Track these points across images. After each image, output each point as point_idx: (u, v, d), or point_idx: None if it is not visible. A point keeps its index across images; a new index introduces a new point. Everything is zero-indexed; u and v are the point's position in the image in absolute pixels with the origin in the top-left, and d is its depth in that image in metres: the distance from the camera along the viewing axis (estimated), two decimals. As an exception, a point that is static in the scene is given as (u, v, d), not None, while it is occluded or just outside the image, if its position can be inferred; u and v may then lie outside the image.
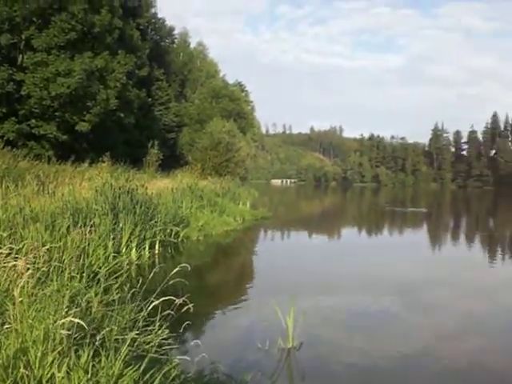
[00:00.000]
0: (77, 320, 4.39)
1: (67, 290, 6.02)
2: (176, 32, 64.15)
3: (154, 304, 5.42)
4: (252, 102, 75.47)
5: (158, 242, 16.14)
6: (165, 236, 16.92)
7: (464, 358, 7.90)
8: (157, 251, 15.90)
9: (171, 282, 6.22)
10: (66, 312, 4.98)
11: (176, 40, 64.85)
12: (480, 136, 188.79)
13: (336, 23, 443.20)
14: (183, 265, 5.96)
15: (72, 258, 8.12)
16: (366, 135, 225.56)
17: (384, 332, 9.23)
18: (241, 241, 22.80)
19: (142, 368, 4.57)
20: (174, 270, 5.85)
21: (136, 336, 5.15)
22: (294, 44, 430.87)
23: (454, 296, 12.42)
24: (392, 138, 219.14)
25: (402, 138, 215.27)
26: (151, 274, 6.55)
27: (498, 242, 25.23)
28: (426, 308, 11.08)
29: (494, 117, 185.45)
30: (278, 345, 7.78)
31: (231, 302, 10.94)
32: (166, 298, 5.32)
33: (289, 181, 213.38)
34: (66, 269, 6.81)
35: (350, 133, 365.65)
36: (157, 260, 14.75)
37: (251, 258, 19.16)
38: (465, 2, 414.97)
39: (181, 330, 6.07)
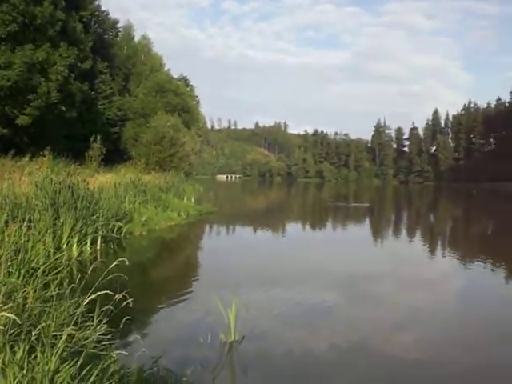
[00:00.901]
0: (11, 315, 4.31)
1: (3, 285, 5.88)
2: (120, 25, 63.22)
3: (90, 298, 5.38)
4: (197, 96, 75.20)
5: (99, 237, 15.90)
6: (107, 231, 16.68)
7: (402, 349, 8.06)
8: (99, 247, 15.66)
9: (112, 278, 6.15)
10: (0, 308, 4.87)
11: (120, 33, 63.86)
12: (421, 133, 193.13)
13: (281, 19, 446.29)
14: (121, 259, 5.91)
15: (9, 253, 7.92)
16: (311, 131, 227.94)
17: (326, 325, 9.32)
18: (185, 236, 22.70)
19: (79, 363, 4.52)
20: (112, 265, 5.81)
21: (74, 332, 5.08)
22: (239, 39, 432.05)
23: (394, 289, 12.66)
24: (336, 134, 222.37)
25: (346, 135, 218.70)
26: (90, 270, 6.47)
27: (438, 236, 25.90)
28: (367, 301, 11.22)
29: (435, 114, 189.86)
30: (219, 339, 7.78)
31: (174, 297, 10.87)
32: (103, 292, 5.26)
33: (234, 176, 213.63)
34: (1, 264, 6.64)
35: (295, 129, 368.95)
36: (99, 256, 14.50)
37: (195, 252, 19.13)
38: (408, 0, 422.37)
39: (121, 326, 6.01)
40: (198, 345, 7.66)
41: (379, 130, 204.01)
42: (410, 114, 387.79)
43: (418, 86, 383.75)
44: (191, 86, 72.83)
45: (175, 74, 70.34)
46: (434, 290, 12.91)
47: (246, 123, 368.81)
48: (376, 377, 6.99)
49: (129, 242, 17.91)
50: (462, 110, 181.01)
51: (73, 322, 5.54)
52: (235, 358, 7.48)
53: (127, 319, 6.04)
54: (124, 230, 18.16)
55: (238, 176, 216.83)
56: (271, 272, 14.08)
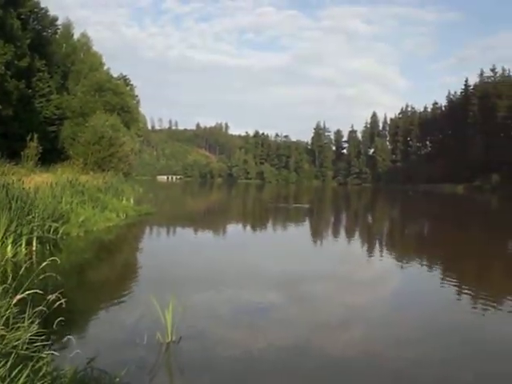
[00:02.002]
0: None
1: None
2: (59, 22, 61.95)
3: (19, 297, 5.26)
4: (137, 96, 74.35)
5: (35, 238, 15.56)
6: (43, 232, 16.31)
7: (340, 347, 8.20)
8: (34, 248, 15.32)
9: (47, 279, 6.07)
10: None
11: (59, 31, 62.53)
12: (359, 135, 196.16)
13: (221, 21, 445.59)
14: (52, 258, 5.82)
15: None
16: (251, 133, 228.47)
17: (265, 325, 9.35)
18: (124, 237, 22.45)
19: (8, 364, 4.42)
20: (43, 264, 5.72)
21: (5, 333, 4.97)
22: (180, 39, 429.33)
23: (333, 289, 12.83)
24: (276, 135, 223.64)
25: (286, 136, 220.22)
26: (21, 270, 6.33)
27: (375, 236, 26.38)
28: (305, 301, 11.32)
29: (373, 117, 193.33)
30: (156, 339, 7.73)
31: (111, 298, 10.73)
32: (32, 291, 5.17)
33: (175, 177, 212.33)
34: None
35: (236, 130, 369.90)
36: (34, 257, 14.21)
37: (134, 254, 18.92)
38: (347, 5, 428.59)
39: (55, 327, 5.90)
40: (134, 346, 7.59)
41: (319, 132, 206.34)
42: (349, 117, 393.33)
43: (356, 90, 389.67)
44: (131, 85, 71.94)
45: (116, 74, 69.40)
46: (371, 288, 13.19)
47: (187, 124, 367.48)
48: (314, 375, 7.06)
49: (65, 243, 17.56)
50: (399, 114, 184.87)
51: (3, 323, 5.42)
52: (172, 359, 7.46)
53: (61, 320, 5.94)
54: (60, 231, 17.80)
55: (178, 177, 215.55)
56: (211, 273, 14.03)
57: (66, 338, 6.66)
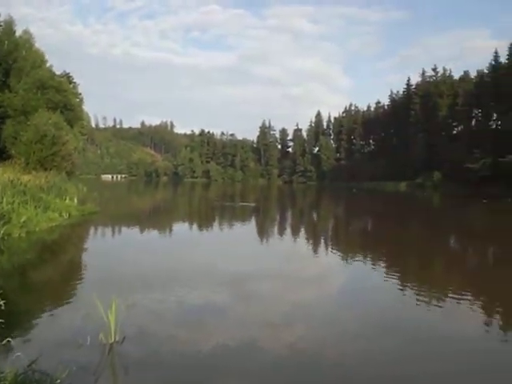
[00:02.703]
0: None
1: None
2: (1, 19, 60.36)
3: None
4: (80, 94, 73.01)
5: (-26, 239, 15.21)
6: (-17, 233, 15.98)
7: (289, 345, 8.25)
8: (-26, 249, 14.98)
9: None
10: None
11: (1, 27, 60.98)
12: (304, 134, 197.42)
13: (166, 18, 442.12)
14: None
15: None
16: (197, 131, 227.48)
17: (212, 323, 9.36)
18: (67, 237, 22.07)
19: None
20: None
21: None
22: (124, 37, 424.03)
23: (280, 286, 12.92)
24: (222, 134, 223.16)
25: (232, 135, 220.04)
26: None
27: (320, 234, 26.67)
28: (253, 299, 11.39)
29: (318, 116, 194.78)
30: (99, 340, 7.67)
31: (54, 300, 10.57)
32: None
33: (119, 176, 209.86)
34: None
35: (182, 129, 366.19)
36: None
37: (78, 254, 18.61)
38: (293, 4, 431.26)
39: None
40: (76, 347, 7.52)
41: (264, 130, 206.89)
42: (294, 116, 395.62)
43: (301, 89, 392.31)
44: (74, 83, 70.66)
45: (58, 71, 68.02)
46: (317, 286, 13.35)
47: (132, 122, 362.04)
48: (261, 374, 7.10)
49: (7, 244, 17.18)
50: (343, 113, 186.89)
51: None
52: (116, 359, 7.41)
53: (0, 323, 5.83)
54: (1, 232, 17.43)
55: (123, 176, 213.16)
56: (157, 272, 13.98)
57: (5, 341, 6.54)
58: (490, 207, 52.36)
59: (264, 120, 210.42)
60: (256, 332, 8.88)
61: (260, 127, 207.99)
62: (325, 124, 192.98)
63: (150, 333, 8.60)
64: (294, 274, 14.80)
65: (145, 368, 7.07)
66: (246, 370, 7.21)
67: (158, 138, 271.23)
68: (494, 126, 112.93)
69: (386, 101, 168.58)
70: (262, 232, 26.76)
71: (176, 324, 9.28)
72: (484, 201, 58.73)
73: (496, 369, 7.47)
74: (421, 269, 16.71)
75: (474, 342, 8.76)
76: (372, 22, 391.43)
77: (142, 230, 25.93)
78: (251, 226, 30.83)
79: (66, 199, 29.82)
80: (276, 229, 28.99)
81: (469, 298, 11.76)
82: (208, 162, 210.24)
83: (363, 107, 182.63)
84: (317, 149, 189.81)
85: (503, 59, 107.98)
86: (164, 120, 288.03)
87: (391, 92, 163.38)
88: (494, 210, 48.61)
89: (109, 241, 21.81)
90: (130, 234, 24.51)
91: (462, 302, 11.31)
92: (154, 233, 25.36)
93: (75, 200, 31.16)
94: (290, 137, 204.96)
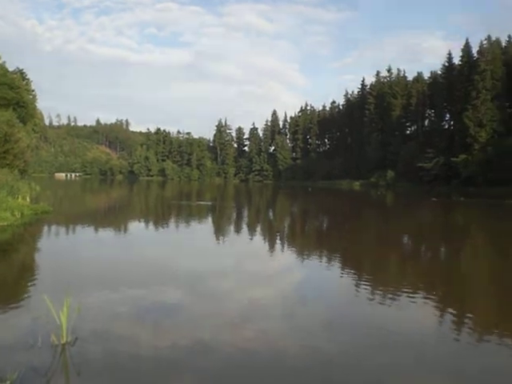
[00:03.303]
0: None
1: None
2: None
3: None
4: (34, 91, 72.02)
5: None
6: None
7: (246, 344, 8.30)
8: None
9: None
10: None
11: None
12: (261, 133, 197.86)
13: (122, 15, 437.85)
14: None
15: None
16: (153, 129, 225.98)
17: (168, 323, 9.34)
18: (19, 236, 21.67)
19: None
20: None
21: None
22: (80, 33, 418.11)
23: (237, 285, 12.98)
24: (178, 132, 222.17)
25: (188, 133, 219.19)
26: None
27: (277, 232, 26.88)
28: (211, 297, 11.39)
29: (274, 115, 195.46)
30: (51, 341, 7.61)
31: (5, 300, 10.41)
32: None
33: (74, 174, 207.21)
34: None
35: (137, 127, 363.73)
36: None
37: (31, 254, 18.25)
38: (250, 2, 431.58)
39: None
40: (27, 348, 7.44)
41: (220, 129, 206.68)
42: (250, 115, 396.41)
43: (258, 88, 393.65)
44: (27, 79, 69.61)
45: (11, 67, 66.83)
46: (274, 284, 13.44)
47: (86, 120, 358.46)
48: (219, 373, 7.13)
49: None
50: (299, 112, 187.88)
51: None
52: (68, 360, 7.32)
53: None
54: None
55: (77, 174, 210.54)
56: (111, 272, 13.92)
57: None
58: (437, 206, 53.75)
59: (220, 118, 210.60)
60: (212, 331, 8.88)
61: (216, 126, 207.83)
62: (281, 123, 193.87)
63: (103, 333, 8.53)
64: (251, 272, 14.88)
65: (97, 369, 7.03)
66: (202, 369, 7.20)
67: (113, 136, 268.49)
68: (447, 126, 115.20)
69: (341, 100, 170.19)
70: (219, 230, 26.81)
71: (131, 324, 9.21)
72: (433, 199, 60.33)
73: (439, 361, 7.69)
74: (375, 264, 17.07)
75: (424, 336, 8.96)
76: (327, 22, 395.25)
77: (96, 230, 25.65)
78: (208, 224, 30.83)
79: (18, 198, 29.38)
80: (232, 227, 29.04)
81: (418, 292, 12.04)
82: (164, 160, 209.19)
83: (319, 107, 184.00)
84: (273, 148, 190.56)
85: (456, 60, 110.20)
86: (119, 118, 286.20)
87: (346, 92, 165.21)
88: (441, 209, 50.22)
89: (62, 240, 21.53)
90: (84, 233, 24.19)
91: (407, 296, 11.60)
92: (109, 232, 25.11)
93: (28, 199, 30.73)
94: (246, 136, 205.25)
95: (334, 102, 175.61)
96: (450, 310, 10.88)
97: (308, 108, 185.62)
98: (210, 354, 7.76)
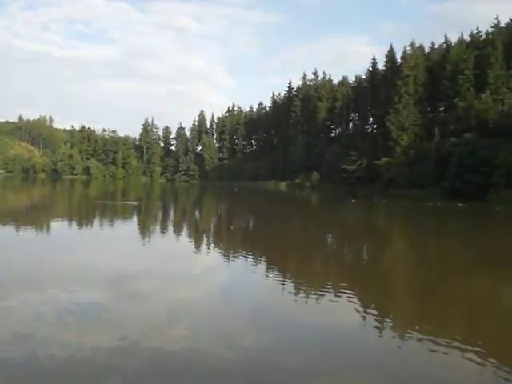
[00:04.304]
0: None
1: None
2: None
3: None
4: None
5: None
6: None
7: (171, 345, 8.35)
8: None
9: None
10: None
11: None
12: (188, 132, 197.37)
13: (49, 10, 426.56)
14: None
15: None
16: (78, 127, 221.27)
17: (91, 324, 9.28)
18: None
19: None
20: None
21: None
22: (4, 27, 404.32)
23: (162, 285, 12.99)
24: (104, 130, 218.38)
25: (114, 132, 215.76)
26: None
27: (202, 232, 27.05)
28: (136, 298, 11.39)
29: (201, 115, 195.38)
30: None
31: None
32: None
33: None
34: None
35: (61, 124, 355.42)
36: None
37: None
38: (178, 1, 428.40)
39: None
40: None
41: (147, 128, 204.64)
42: (177, 114, 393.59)
43: (186, 87, 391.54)
44: None
45: None
46: (199, 284, 13.52)
47: (8, 116, 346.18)
48: (142, 375, 7.15)
49: None
50: (226, 113, 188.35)
51: None
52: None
53: None
54: None
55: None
56: (32, 273, 13.64)
57: None
58: (355, 207, 55.41)
59: (147, 117, 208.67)
60: (136, 331, 8.92)
61: (143, 124, 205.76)
62: (208, 123, 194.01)
63: (24, 336, 8.41)
64: (176, 272, 14.91)
65: (18, 373, 6.99)
66: (125, 370, 7.22)
67: (36, 132, 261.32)
68: (370, 130, 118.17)
69: (268, 102, 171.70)
70: (145, 230, 26.69)
71: (53, 326, 9.05)
72: (353, 201, 62.23)
73: (363, 358, 8.09)
74: (300, 263, 17.59)
75: (346, 334, 9.41)
76: (255, 24, 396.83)
77: (17, 229, 24.96)
78: (133, 224, 30.58)
79: None
80: (158, 227, 28.99)
81: (340, 291, 12.41)
82: (88, 158, 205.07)
83: (246, 108, 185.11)
84: (200, 148, 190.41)
85: (380, 65, 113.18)
86: (43, 114, 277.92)
87: (273, 94, 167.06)
88: (356, 210, 52.26)
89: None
90: (2, 233, 23.58)
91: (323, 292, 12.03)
92: (30, 232, 24.34)
93: None
94: (173, 135, 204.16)
95: (261, 104, 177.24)
96: (371, 309, 11.26)
97: (235, 109, 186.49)
98: (134, 354, 7.78)
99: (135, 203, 48.71)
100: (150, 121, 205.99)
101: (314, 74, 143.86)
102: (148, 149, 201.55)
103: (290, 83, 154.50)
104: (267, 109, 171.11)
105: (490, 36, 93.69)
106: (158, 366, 7.42)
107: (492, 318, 10.99)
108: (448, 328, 9.94)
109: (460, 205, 53.14)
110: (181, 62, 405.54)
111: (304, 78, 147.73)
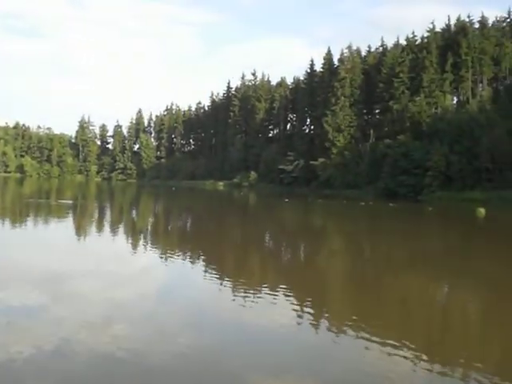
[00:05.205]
0: None
1: None
2: None
3: None
4: None
5: None
6: None
7: (109, 344, 8.33)
8: None
9: None
10: None
11: None
12: (125, 130, 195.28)
13: None
14: None
15: None
16: (12, 124, 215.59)
17: (28, 326, 9.12)
18: None
19: None
20: None
21: None
22: None
23: (99, 285, 12.86)
24: (39, 127, 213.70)
25: (49, 129, 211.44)
26: None
27: (139, 232, 26.86)
28: (72, 299, 11.24)
29: (139, 113, 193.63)
30: None
31: None
32: None
33: None
34: None
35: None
36: None
37: None
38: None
39: None
40: None
41: (83, 125, 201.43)
42: (115, 112, 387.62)
43: (122, 85, 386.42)
44: None
45: None
46: (136, 284, 13.49)
47: None
48: (79, 376, 7.08)
49: None
50: (164, 111, 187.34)
51: None
52: None
53: None
54: None
55: None
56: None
57: None
58: (290, 206, 56.35)
59: (84, 115, 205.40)
60: (71, 333, 8.82)
61: (79, 122, 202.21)
62: (146, 122, 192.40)
63: None
64: (113, 272, 14.82)
65: None
66: (59, 373, 7.15)
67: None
68: (308, 131, 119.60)
69: (207, 102, 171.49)
70: (80, 230, 26.27)
71: None
72: (286, 200, 63.14)
73: (300, 356, 8.25)
74: (237, 263, 17.75)
75: (285, 334, 9.53)
76: (194, 23, 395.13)
77: None
78: (69, 224, 30.00)
79: None
80: (94, 227, 28.54)
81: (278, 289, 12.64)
82: (22, 156, 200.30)
83: (184, 107, 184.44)
84: (137, 146, 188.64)
85: (318, 68, 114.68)
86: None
87: (212, 93, 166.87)
88: (291, 209, 53.17)
89: None
90: None
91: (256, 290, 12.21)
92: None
93: None
94: (110, 133, 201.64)
95: (199, 103, 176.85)
96: (307, 307, 11.44)
97: (173, 107, 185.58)
98: (69, 356, 7.73)
99: (70, 202, 47.88)
100: (86, 118, 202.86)
101: (253, 74, 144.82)
102: (84, 147, 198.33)
103: (228, 83, 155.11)
104: (206, 108, 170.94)
105: (425, 40, 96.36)
106: (93, 367, 7.38)
107: (425, 315, 11.38)
108: (382, 325, 10.24)
109: (391, 205, 54.58)
110: (117, 60, 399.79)
111: (243, 77, 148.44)
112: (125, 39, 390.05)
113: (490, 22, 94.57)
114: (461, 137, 71.72)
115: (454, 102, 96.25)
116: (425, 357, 8.25)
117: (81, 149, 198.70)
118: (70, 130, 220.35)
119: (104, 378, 7.09)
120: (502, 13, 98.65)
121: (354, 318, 10.72)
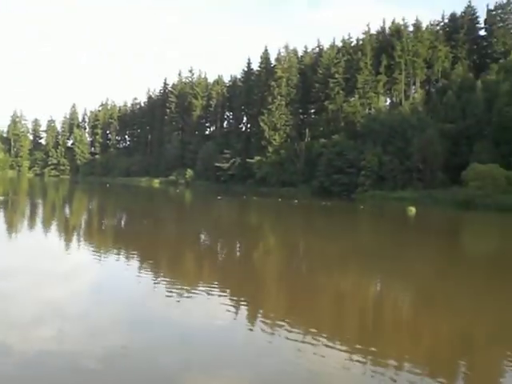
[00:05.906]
0: None
1: None
2: None
3: None
4: None
5: None
6: None
7: (37, 344, 8.35)
8: None
9: None
10: None
11: None
12: (58, 126, 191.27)
13: None
14: None
15: None
16: None
17: None
18: None
19: None
20: None
21: None
22: None
23: (31, 284, 12.75)
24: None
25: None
26: None
27: (72, 229, 26.53)
28: (0, 297, 11.18)
29: (73, 108, 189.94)
30: None
31: None
32: None
33: None
34: None
35: None
36: None
37: None
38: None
39: None
40: None
41: (15, 119, 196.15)
42: (48, 107, 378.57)
43: (56, 80, 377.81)
44: None
45: None
46: (69, 283, 13.41)
47: None
48: (12, 376, 7.11)
49: None
50: (99, 107, 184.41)
51: None
52: None
53: None
54: None
55: None
56: None
57: None
58: (226, 204, 56.67)
59: (16, 108, 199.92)
60: (5, 333, 8.79)
61: (11, 116, 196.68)
62: (80, 117, 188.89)
63: None
64: (45, 271, 14.66)
65: None
66: None
67: None
68: (244, 129, 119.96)
69: (143, 98, 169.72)
70: (11, 227, 25.81)
71: None
72: (219, 197, 63.48)
73: (236, 353, 8.55)
74: (172, 262, 17.86)
75: (218, 331, 9.77)
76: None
77: None
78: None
79: None
80: (26, 224, 28.03)
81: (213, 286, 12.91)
82: None
83: (120, 103, 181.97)
84: (71, 142, 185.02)
85: (255, 66, 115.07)
86: None
87: (148, 90, 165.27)
88: (225, 207, 53.83)
89: None
90: None
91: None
92: None
93: None
94: (42, 128, 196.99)
95: (135, 99, 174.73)
96: (242, 306, 11.75)
97: (109, 103, 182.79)
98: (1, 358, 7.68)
99: (1, 198, 46.74)
100: (18, 112, 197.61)
101: (190, 71, 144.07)
102: (16, 141, 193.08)
103: (165, 79, 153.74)
104: (142, 104, 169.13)
105: (361, 42, 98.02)
106: (22, 369, 7.36)
107: (358, 312, 11.76)
108: (316, 322, 10.56)
109: (323, 203, 55.50)
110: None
111: (180, 74, 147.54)
112: (61, 31, 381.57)
113: (424, 25, 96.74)
114: (393, 137, 73.43)
115: (388, 103, 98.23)
116: (359, 354, 8.55)
117: (12, 143, 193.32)
118: (2, 124, 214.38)
119: (34, 381, 7.08)
120: (437, 16, 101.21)
121: (288, 315, 11.03)
